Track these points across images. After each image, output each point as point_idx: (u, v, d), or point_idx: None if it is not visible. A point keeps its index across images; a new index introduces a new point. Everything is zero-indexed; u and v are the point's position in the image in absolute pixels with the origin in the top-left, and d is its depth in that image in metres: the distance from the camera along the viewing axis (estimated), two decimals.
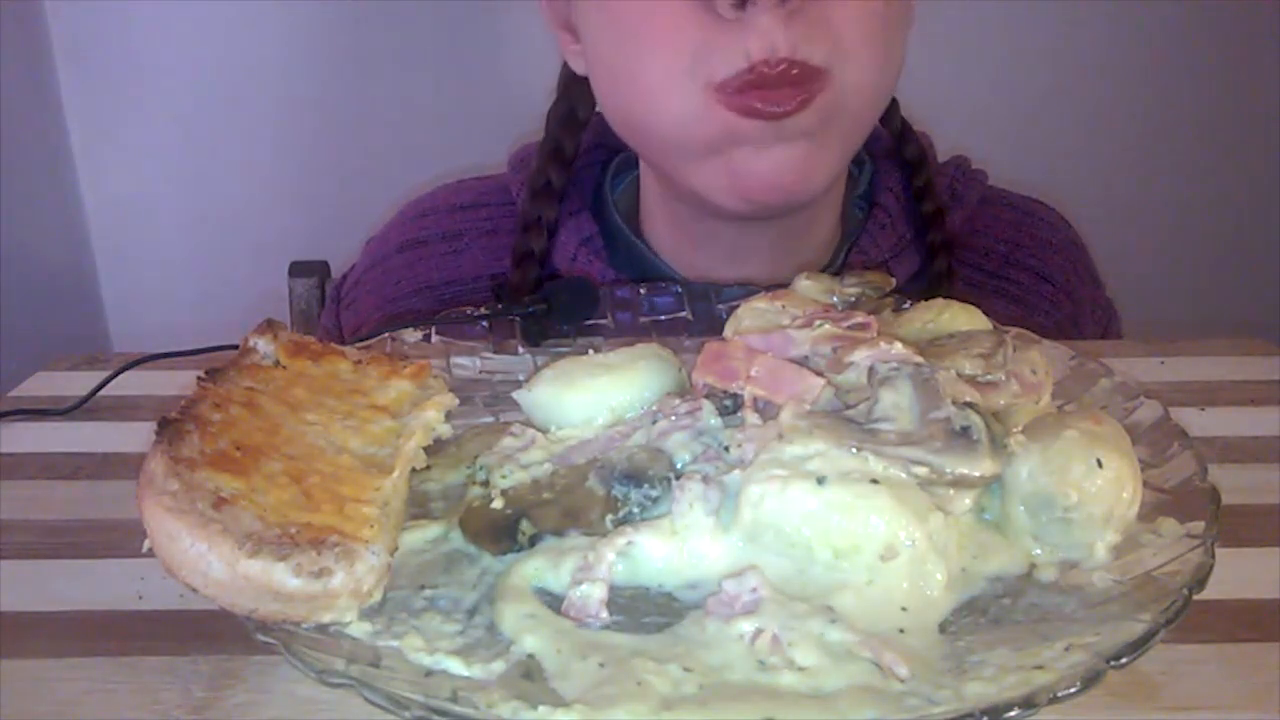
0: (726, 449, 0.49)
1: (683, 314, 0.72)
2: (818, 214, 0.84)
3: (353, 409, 0.52)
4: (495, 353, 0.68)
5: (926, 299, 0.61)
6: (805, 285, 0.61)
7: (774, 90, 0.68)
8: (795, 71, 0.68)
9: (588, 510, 0.49)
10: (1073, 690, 0.38)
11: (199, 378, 0.50)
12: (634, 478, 0.49)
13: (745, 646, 0.42)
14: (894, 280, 0.64)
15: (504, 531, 0.49)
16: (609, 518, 0.48)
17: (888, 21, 0.72)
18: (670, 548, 0.46)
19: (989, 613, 0.45)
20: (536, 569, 0.47)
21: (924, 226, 0.88)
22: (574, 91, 0.86)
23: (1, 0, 1.44)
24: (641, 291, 0.73)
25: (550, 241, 0.87)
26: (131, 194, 1.62)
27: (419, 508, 0.53)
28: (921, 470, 0.46)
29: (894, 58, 0.75)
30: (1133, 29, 1.58)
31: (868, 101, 0.75)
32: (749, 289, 0.66)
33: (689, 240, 0.85)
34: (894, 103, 0.90)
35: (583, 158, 0.90)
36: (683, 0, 0.69)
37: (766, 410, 0.50)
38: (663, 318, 0.72)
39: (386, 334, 0.66)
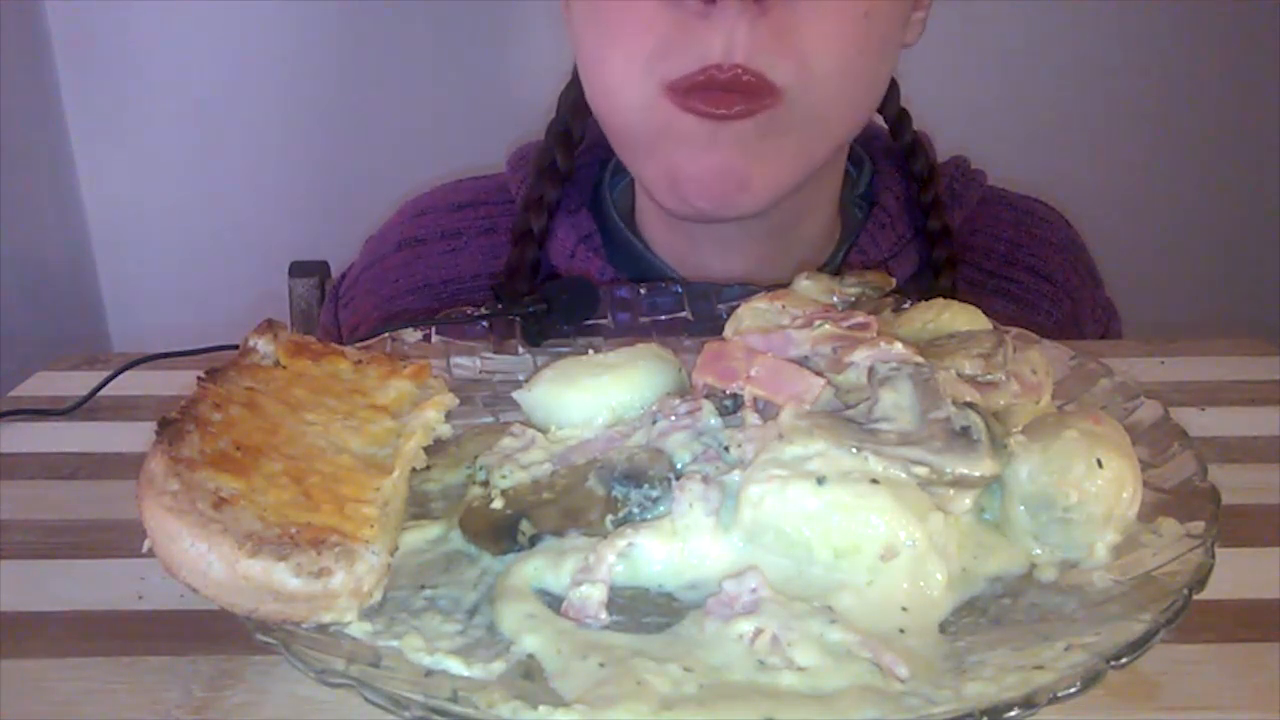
0: (726, 449, 0.49)
1: (683, 314, 0.72)
2: (808, 212, 0.84)
3: (353, 409, 0.52)
4: (495, 353, 0.68)
5: (927, 294, 0.61)
6: (805, 285, 0.61)
7: (719, 93, 0.68)
8: (746, 78, 0.67)
9: (588, 510, 0.49)
10: (1073, 690, 0.38)
11: (199, 378, 0.50)
12: (634, 478, 0.49)
13: (745, 646, 0.42)
14: (894, 280, 0.64)
15: (504, 531, 0.49)
16: (609, 518, 0.48)
17: (866, 46, 0.70)
18: (670, 548, 0.46)
19: (989, 613, 0.45)
20: (536, 569, 0.47)
21: (929, 241, 0.87)
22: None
23: (1, 0, 1.44)
24: (641, 291, 0.73)
25: (549, 224, 0.87)
26: (131, 194, 1.62)
27: (419, 508, 0.53)
28: (921, 470, 0.46)
29: (870, 84, 0.74)
30: (1133, 29, 1.58)
31: (831, 127, 0.74)
32: (749, 289, 0.66)
33: (682, 238, 0.85)
34: (906, 115, 0.90)
35: (582, 157, 0.90)
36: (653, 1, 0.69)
37: (766, 410, 0.50)
38: (663, 318, 0.72)
39: (386, 334, 0.66)
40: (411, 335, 0.66)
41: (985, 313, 0.59)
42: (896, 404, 0.48)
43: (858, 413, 0.48)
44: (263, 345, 0.55)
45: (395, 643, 0.43)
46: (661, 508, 0.48)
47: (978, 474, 0.46)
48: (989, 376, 0.52)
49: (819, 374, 0.51)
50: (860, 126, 0.79)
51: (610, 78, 0.73)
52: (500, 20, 1.56)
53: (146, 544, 0.43)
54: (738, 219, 0.75)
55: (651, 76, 0.70)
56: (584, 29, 0.76)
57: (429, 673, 0.42)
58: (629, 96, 0.72)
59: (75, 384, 0.71)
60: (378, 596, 0.44)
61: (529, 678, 0.42)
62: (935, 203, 0.88)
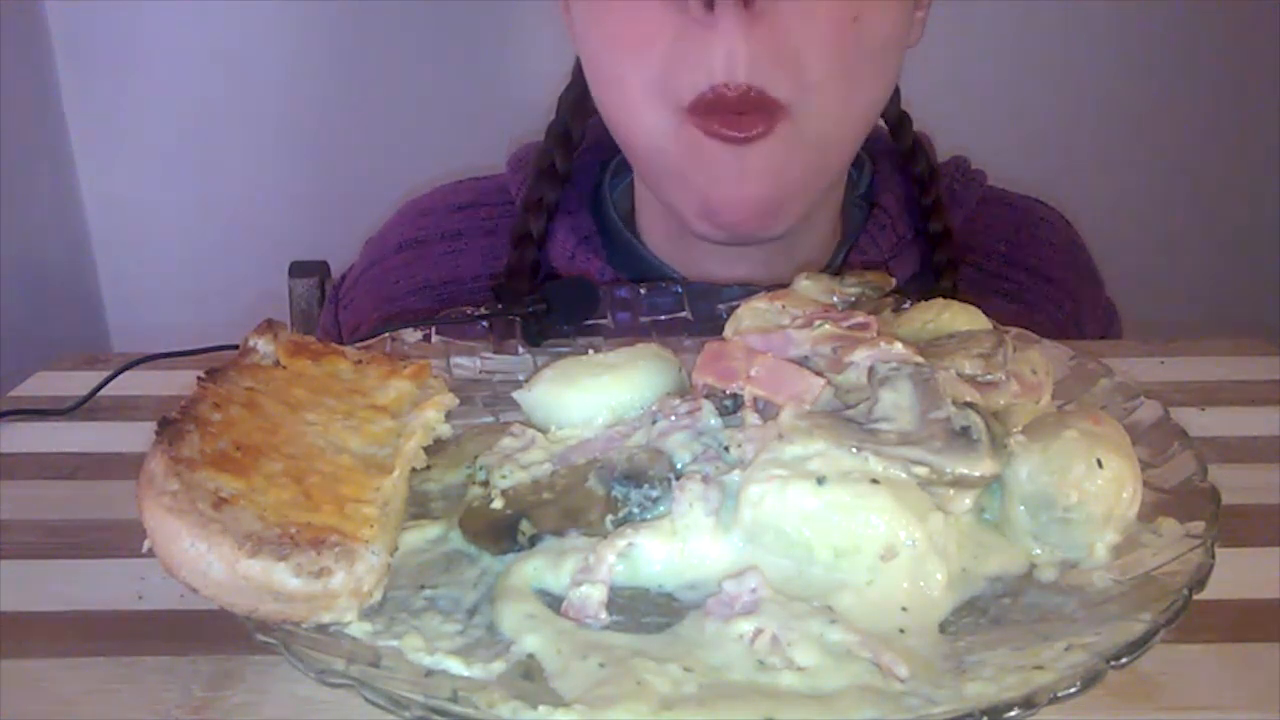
0: (726, 449, 0.49)
1: (683, 314, 0.72)
2: (810, 215, 0.84)
3: (353, 409, 0.52)
4: (495, 353, 0.69)
5: (927, 295, 0.61)
6: (805, 285, 0.61)
7: (736, 115, 0.69)
8: (754, 95, 0.68)
9: (588, 510, 0.49)
10: (1073, 690, 0.38)
11: (199, 378, 0.50)
12: (634, 478, 0.49)
13: (745, 646, 0.42)
14: (894, 280, 0.64)
15: (504, 531, 0.49)
16: (609, 518, 0.48)
17: (857, 51, 0.71)
18: (670, 548, 0.46)
19: (989, 613, 0.45)
20: (536, 569, 0.47)
21: (929, 243, 0.87)
22: (586, 78, 0.87)
23: (1, 0, 1.44)
24: (641, 291, 0.73)
25: (549, 226, 0.87)
26: (131, 194, 1.62)
27: (419, 508, 0.53)
28: (921, 470, 0.46)
29: (868, 88, 0.74)
30: (1133, 29, 1.58)
31: (836, 136, 0.74)
32: (749, 289, 0.66)
33: (684, 239, 0.85)
34: (906, 118, 0.90)
35: (582, 157, 0.90)
36: (658, 1, 0.69)
37: (766, 410, 0.50)
38: (663, 318, 0.72)
39: (386, 334, 0.66)
40: (411, 335, 0.66)
41: (985, 313, 0.59)
42: (896, 404, 0.48)
43: (858, 413, 0.48)
44: (263, 345, 0.55)
45: (395, 643, 0.43)
46: (661, 508, 0.48)
47: (978, 474, 0.46)
48: (989, 376, 0.52)
49: (819, 374, 0.51)
50: (868, 130, 0.79)
51: (629, 100, 0.74)
52: (500, 20, 1.55)
53: (146, 544, 0.43)
54: (769, 240, 0.77)
55: (667, 101, 0.71)
56: (587, 33, 0.76)
57: (429, 673, 0.42)
58: (649, 119, 0.73)
59: (75, 384, 0.71)
60: (378, 596, 0.44)
61: (529, 678, 0.42)
62: (936, 205, 0.88)
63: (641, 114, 0.73)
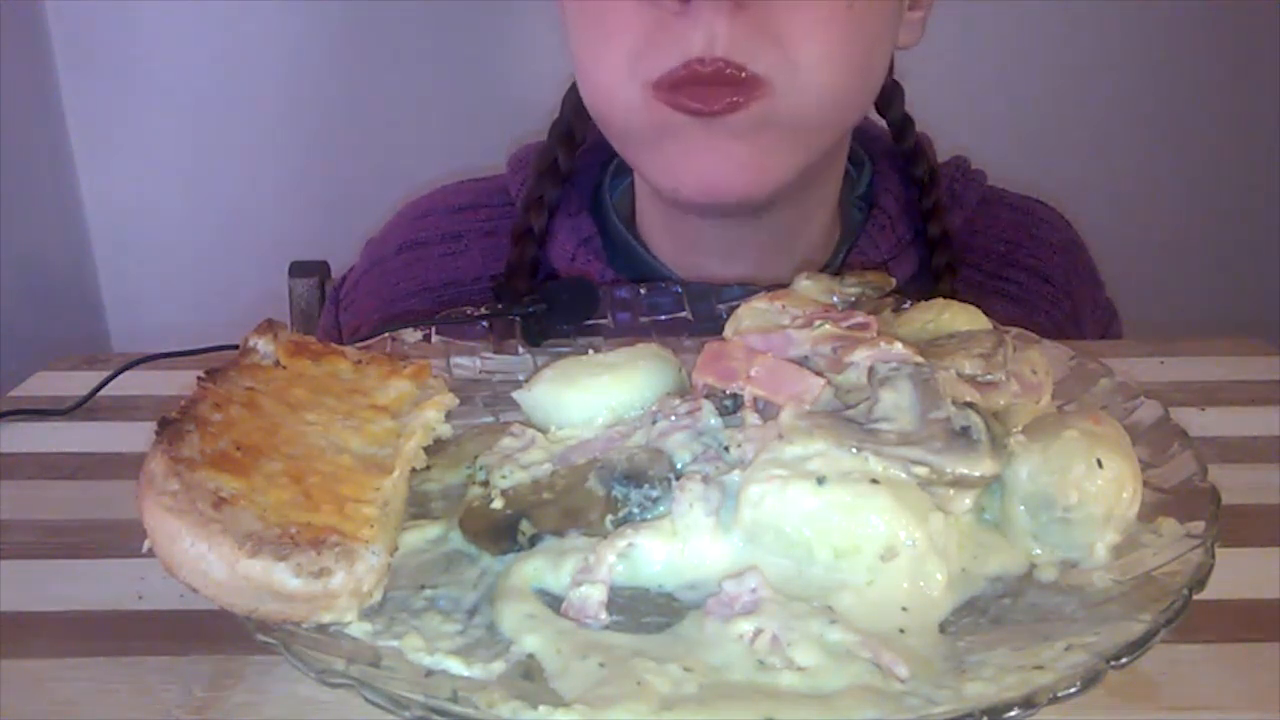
0: (726, 449, 0.49)
1: (683, 314, 0.72)
2: (808, 214, 0.84)
3: (353, 409, 0.52)
4: (495, 353, 0.69)
5: (927, 297, 0.61)
6: (805, 285, 0.61)
7: (705, 88, 0.68)
8: (730, 71, 0.67)
9: (588, 511, 0.49)
10: (1073, 690, 0.38)
11: (199, 378, 0.50)
12: (634, 478, 0.49)
13: (745, 646, 0.42)
14: (894, 280, 0.64)
15: (504, 531, 0.49)
16: (609, 518, 0.48)
17: (851, 37, 0.70)
18: (670, 548, 0.46)
19: (989, 613, 0.45)
20: (536, 569, 0.47)
21: (929, 246, 0.87)
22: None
23: (1, 0, 1.44)
24: (641, 291, 0.73)
25: (550, 226, 0.87)
26: (131, 194, 1.62)
27: (419, 508, 0.53)
28: (921, 470, 0.46)
29: (859, 76, 0.73)
30: (1133, 29, 1.58)
31: (824, 117, 0.73)
32: (749, 289, 0.66)
33: (682, 240, 0.85)
34: (910, 121, 0.90)
35: (582, 158, 0.90)
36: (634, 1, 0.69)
37: (766, 410, 0.50)
38: (663, 318, 0.72)
39: (386, 334, 0.66)
40: (411, 335, 0.66)
41: (985, 313, 0.59)
42: (896, 404, 0.48)
43: (858, 413, 0.48)
44: (263, 345, 0.55)
45: (395, 643, 0.43)
46: (661, 508, 0.48)
47: (978, 474, 0.46)
48: (989, 376, 0.52)
49: (819, 374, 0.51)
50: (855, 120, 0.79)
51: (601, 78, 0.74)
52: (500, 20, 1.56)
53: (146, 544, 0.43)
54: (738, 206, 0.75)
55: (634, 80, 0.70)
56: (572, 29, 0.77)
57: (429, 673, 0.42)
58: (620, 96, 0.73)
59: (75, 384, 0.71)
60: (378, 596, 0.44)
61: (529, 678, 0.42)
62: (935, 208, 0.88)
63: (613, 93, 0.73)
